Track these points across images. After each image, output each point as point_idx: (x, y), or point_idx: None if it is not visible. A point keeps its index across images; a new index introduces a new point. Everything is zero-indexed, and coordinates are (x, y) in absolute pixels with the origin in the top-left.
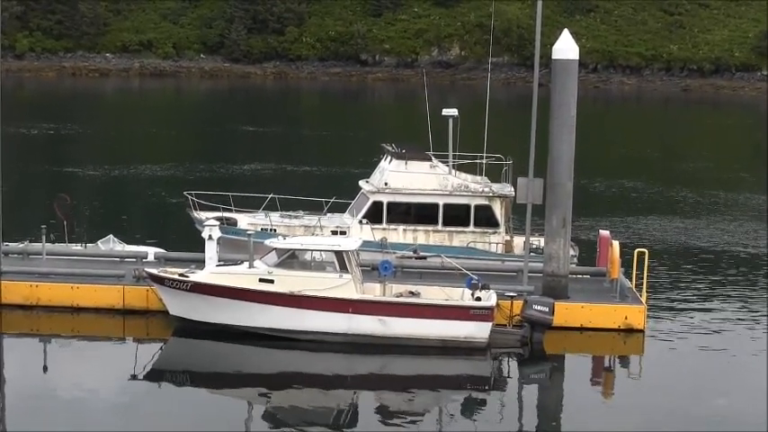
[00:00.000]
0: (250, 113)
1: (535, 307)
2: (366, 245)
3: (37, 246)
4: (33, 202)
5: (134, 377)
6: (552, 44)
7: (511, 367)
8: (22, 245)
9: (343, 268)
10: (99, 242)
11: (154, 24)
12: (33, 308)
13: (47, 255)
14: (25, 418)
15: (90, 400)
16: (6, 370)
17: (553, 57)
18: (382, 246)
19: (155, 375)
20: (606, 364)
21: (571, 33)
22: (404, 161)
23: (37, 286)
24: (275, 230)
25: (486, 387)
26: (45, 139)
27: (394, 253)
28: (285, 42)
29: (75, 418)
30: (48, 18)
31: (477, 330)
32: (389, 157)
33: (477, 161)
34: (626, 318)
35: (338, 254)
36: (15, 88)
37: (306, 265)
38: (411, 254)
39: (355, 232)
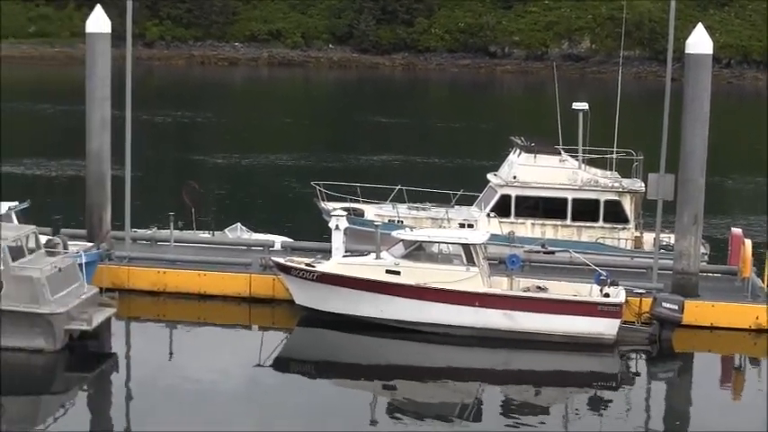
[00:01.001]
0: (378, 104)
1: (664, 305)
2: (494, 238)
3: (165, 233)
4: (162, 189)
5: (259, 365)
6: (685, 38)
7: (638, 365)
8: (150, 231)
9: (471, 261)
10: (226, 230)
11: (283, 14)
12: (160, 294)
13: (174, 242)
14: (150, 403)
15: (214, 387)
16: (133, 355)
17: (686, 51)
18: (510, 239)
19: (279, 364)
20: (736, 364)
21: (705, 27)
22: (533, 155)
23: (164, 273)
24: (402, 222)
25: (614, 384)
26: (174, 127)
27: (521, 247)
28: (414, 33)
29: (200, 404)
30: (177, 7)
31: (605, 327)
32: (518, 151)
33: (607, 156)
34: (757, 318)
35: (466, 247)
36: (145, 76)
37: (433, 258)
38: (539, 248)
39: (483, 225)
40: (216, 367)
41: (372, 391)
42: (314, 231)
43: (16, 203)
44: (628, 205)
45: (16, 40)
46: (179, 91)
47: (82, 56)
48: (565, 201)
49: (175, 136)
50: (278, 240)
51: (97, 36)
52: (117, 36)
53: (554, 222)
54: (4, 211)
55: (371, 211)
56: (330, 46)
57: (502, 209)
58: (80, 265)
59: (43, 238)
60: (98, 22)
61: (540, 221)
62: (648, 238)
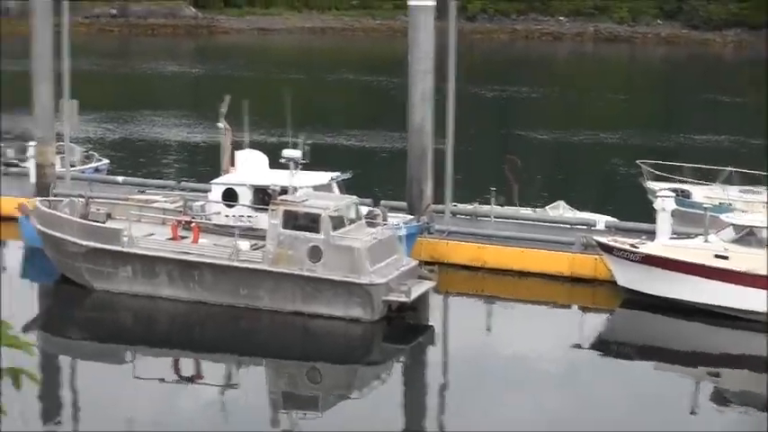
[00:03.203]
0: (708, 82)
1: None
2: None
3: (486, 208)
4: (483, 163)
5: (577, 346)
6: None
7: None
8: (471, 206)
9: None
10: (548, 207)
11: None
12: (478, 269)
13: (495, 217)
14: (465, 378)
15: (530, 366)
16: (450, 329)
17: None
18: None
19: (598, 346)
20: None
21: None
22: None
23: (484, 248)
24: (732, 205)
25: None
26: (496, 101)
27: None
28: (747, 9)
29: (515, 383)
30: None
31: None
32: None
33: None
34: None
35: None
36: (466, 50)
37: (763, 244)
38: None
39: None
40: (533, 345)
41: (694, 378)
42: (639, 212)
43: (338, 174)
44: None
45: (339, 11)
46: (501, 65)
47: (403, 29)
48: None
49: (497, 110)
50: (601, 220)
51: (420, 9)
52: (439, 9)
53: None
54: (326, 182)
55: (699, 193)
56: (658, 21)
57: None
58: (400, 237)
59: (364, 210)
60: None
61: None
62: None
